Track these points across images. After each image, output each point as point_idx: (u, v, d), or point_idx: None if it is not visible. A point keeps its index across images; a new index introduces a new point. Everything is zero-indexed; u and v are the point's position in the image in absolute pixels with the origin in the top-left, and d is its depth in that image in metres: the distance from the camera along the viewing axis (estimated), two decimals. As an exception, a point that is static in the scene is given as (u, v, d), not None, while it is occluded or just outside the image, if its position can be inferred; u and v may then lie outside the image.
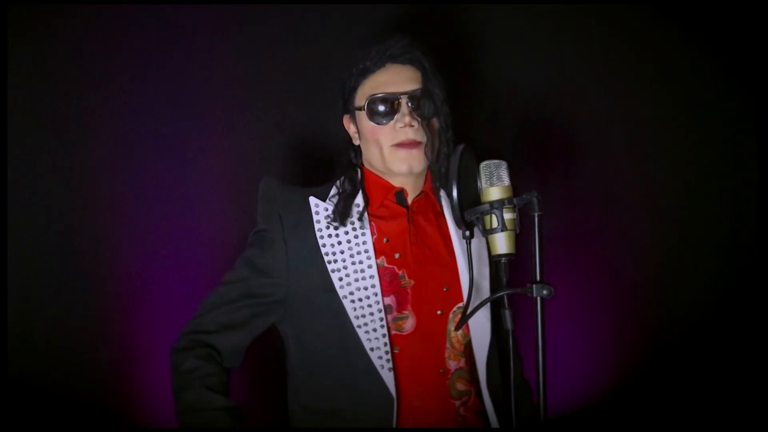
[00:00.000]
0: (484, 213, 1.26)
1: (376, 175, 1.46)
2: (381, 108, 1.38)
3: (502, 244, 1.27)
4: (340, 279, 1.37)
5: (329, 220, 1.41)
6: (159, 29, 1.83)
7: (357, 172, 1.48)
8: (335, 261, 1.38)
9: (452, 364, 1.41)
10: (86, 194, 1.79)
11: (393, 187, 1.45)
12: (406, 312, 1.38)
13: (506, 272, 1.28)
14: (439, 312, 1.40)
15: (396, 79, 1.40)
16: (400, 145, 1.38)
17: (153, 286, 1.83)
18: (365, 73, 1.41)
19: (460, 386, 1.42)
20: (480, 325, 1.41)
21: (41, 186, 1.75)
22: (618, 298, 2.17)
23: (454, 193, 1.25)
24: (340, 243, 1.40)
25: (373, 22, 1.94)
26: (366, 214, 1.42)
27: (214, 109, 1.88)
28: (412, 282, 1.40)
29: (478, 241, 1.43)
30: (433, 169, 1.43)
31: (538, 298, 1.21)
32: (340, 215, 1.41)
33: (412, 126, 1.37)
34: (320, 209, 1.42)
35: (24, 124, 1.73)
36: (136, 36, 1.82)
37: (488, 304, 1.38)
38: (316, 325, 1.40)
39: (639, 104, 2.17)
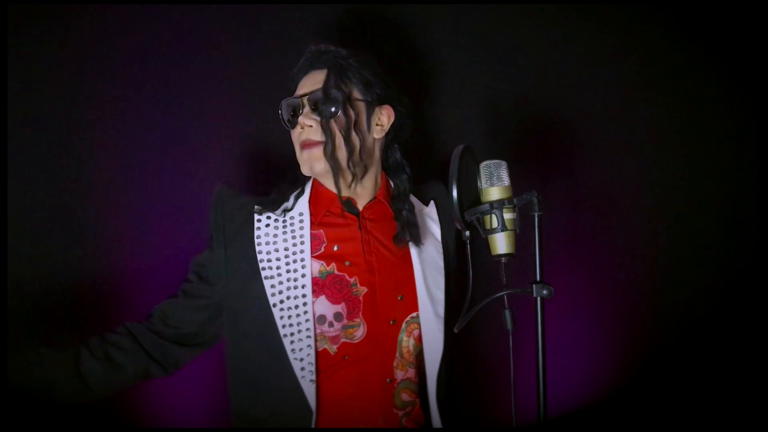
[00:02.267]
0: (484, 213, 1.27)
1: (325, 188, 1.45)
2: (285, 112, 1.41)
3: (502, 244, 1.27)
4: (272, 287, 1.36)
5: (259, 211, 1.42)
6: (159, 29, 1.83)
7: (299, 181, 1.48)
8: (270, 269, 1.37)
9: (399, 374, 1.40)
10: (86, 194, 1.79)
11: (336, 196, 1.42)
12: (357, 320, 1.37)
13: (506, 272, 1.28)
14: (392, 321, 1.39)
15: (307, 83, 1.42)
16: (301, 146, 1.40)
17: (153, 286, 1.83)
18: (295, 78, 1.45)
19: (405, 397, 1.41)
20: (432, 337, 1.40)
21: (41, 186, 1.75)
22: (618, 298, 2.17)
23: (454, 193, 1.25)
24: (277, 251, 1.39)
25: (373, 23, 1.94)
26: (308, 220, 1.41)
27: (215, 110, 1.88)
28: (365, 290, 1.38)
29: (435, 251, 1.44)
30: (333, 168, 1.39)
31: (538, 298, 1.21)
32: (271, 203, 1.43)
33: (305, 126, 1.38)
34: (263, 217, 1.43)
35: (24, 124, 1.73)
36: (136, 36, 1.82)
37: (442, 315, 1.39)
38: (248, 332, 1.38)
39: (639, 104, 2.17)
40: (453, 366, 1.52)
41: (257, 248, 1.39)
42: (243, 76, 1.89)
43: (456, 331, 1.43)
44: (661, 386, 2.18)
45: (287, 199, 1.46)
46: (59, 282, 1.77)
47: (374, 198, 1.46)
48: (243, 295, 1.38)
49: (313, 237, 1.40)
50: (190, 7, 1.84)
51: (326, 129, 1.35)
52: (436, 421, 1.40)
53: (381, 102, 1.42)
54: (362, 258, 1.40)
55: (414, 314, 1.40)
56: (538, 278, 1.22)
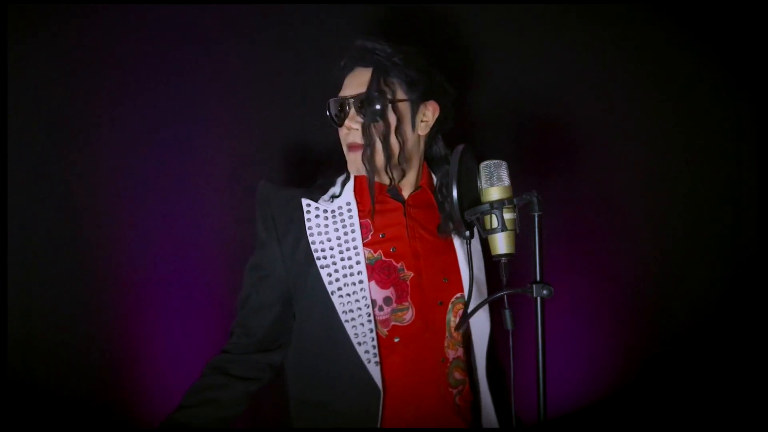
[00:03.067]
0: (484, 213, 1.27)
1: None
2: (332, 111, 1.43)
3: (502, 244, 1.27)
4: (329, 275, 1.41)
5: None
6: (159, 30, 1.83)
7: (341, 174, 1.51)
8: (324, 258, 1.42)
9: (451, 353, 1.45)
10: (86, 194, 1.79)
11: (383, 185, 1.47)
12: (406, 303, 1.42)
13: (506, 272, 1.28)
14: (439, 302, 1.44)
15: (353, 81, 1.43)
16: (347, 147, 1.43)
17: (154, 286, 1.84)
18: (341, 73, 1.45)
19: (458, 375, 1.46)
20: (479, 317, 1.44)
21: (41, 186, 1.75)
22: (618, 298, 2.17)
23: (454, 193, 1.25)
24: (329, 240, 1.44)
25: (373, 23, 1.94)
26: (356, 209, 1.46)
27: (216, 110, 1.88)
28: (411, 274, 1.43)
29: (474, 236, 1.45)
30: (371, 173, 1.42)
31: (538, 298, 1.22)
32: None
33: (351, 129, 1.41)
34: (311, 208, 1.46)
35: (24, 123, 1.73)
36: (136, 36, 1.82)
37: (486, 295, 1.44)
38: (309, 319, 1.44)
39: (639, 104, 2.17)
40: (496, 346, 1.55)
41: (310, 238, 1.43)
42: (247, 76, 1.90)
43: (456, 332, 1.44)
44: (661, 386, 2.18)
45: (334, 184, 1.50)
46: (59, 282, 1.78)
47: (419, 187, 1.49)
48: (301, 284, 1.44)
49: (361, 225, 1.45)
50: (191, 7, 1.84)
51: (366, 134, 1.39)
52: (486, 398, 1.46)
53: (425, 98, 1.44)
54: (407, 243, 1.44)
55: (458, 295, 1.45)
56: (538, 278, 1.22)
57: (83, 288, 1.79)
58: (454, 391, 1.45)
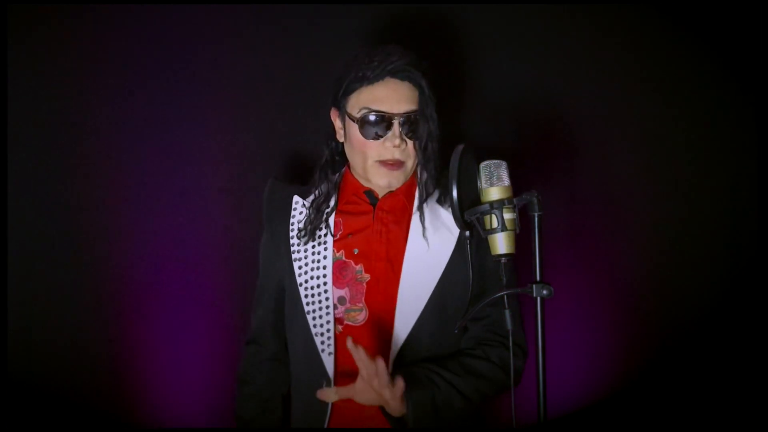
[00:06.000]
0: (484, 213, 1.27)
1: (354, 178, 1.51)
2: (374, 125, 1.40)
3: (502, 244, 1.27)
4: (299, 268, 1.49)
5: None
6: (158, 30, 1.83)
7: (335, 174, 1.54)
8: (297, 251, 1.50)
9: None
10: (87, 194, 1.79)
11: (363, 186, 1.50)
12: (360, 305, 1.46)
13: (506, 272, 1.28)
14: (392, 308, 1.45)
15: (393, 95, 1.40)
16: (383, 162, 1.42)
17: (154, 286, 1.84)
18: (363, 81, 1.41)
19: None
20: (401, 328, 1.43)
21: (41, 185, 1.75)
22: (618, 298, 2.17)
23: (454, 193, 1.25)
24: (306, 235, 1.50)
25: (372, 23, 1.94)
26: (333, 209, 1.51)
27: (219, 109, 1.88)
28: (369, 277, 1.46)
29: (441, 245, 1.47)
30: (420, 184, 1.49)
31: (538, 298, 1.22)
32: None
33: (399, 147, 1.41)
34: (299, 206, 1.53)
35: (24, 123, 1.73)
36: (136, 36, 1.82)
37: (420, 310, 1.43)
38: (287, 309, 1.54)
39: (639, 103, 2.16)
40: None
41: (291, 233, 1.52)
42: (250, 76, 1.89)
43: (456, 332, 1.44)
44: (661, 386, 2.18)
45: (321, 195, 1.52)
46: (60, 281, 1.78)
47: (392, 191, 1.50)
48: (284, 276, 1.53)
49: (334, 223, 1.50)
50: (193, 7, 1.84)
51: (420, 150, 1.42)
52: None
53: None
54: (371, 247, 1.46)
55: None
56: (538, 278, 1.22)
57: (83, 288, 1.79)
58: None
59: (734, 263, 2.24)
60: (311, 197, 1.52)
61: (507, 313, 1.28)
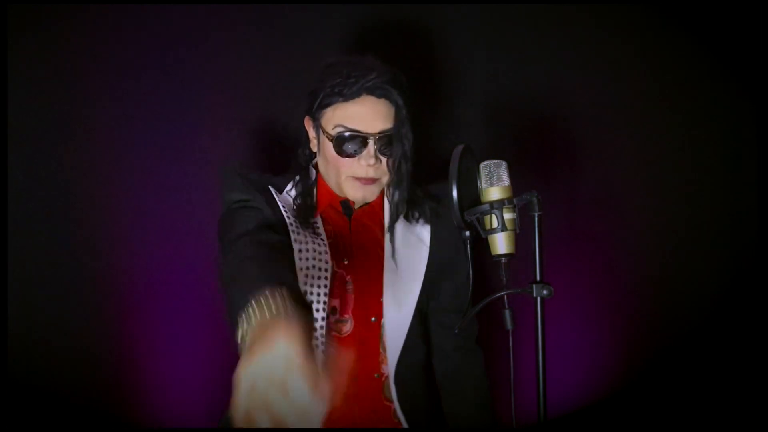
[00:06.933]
0: (484, 213, 1.27)
1: (328, 187, 1.48)
2: (348, 144, 1.37)
3: (502, 244, 1.27)
4: (300, 251, 1.37)
5: (291, 220, 1.41)
6: (159, 27, 1.83)
7: (310, 176, 1.50)
8: (298, 233, 1.39)
9: (386, 369, 1.45)
10: (86, 194, 1.79)
11: (339, 196, 1.47)
12: (347, 316, 1.43)
13: (506, 272, 1.28)
14: (372, 319, 1.44)
15: (369, 114, 1.36)
16: (357, 178, 1.40)
17: (154, 286, 1.83)
18: (339, 96, 1.36)
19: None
20: (394, 342, 1.44)
21: (41, 186, 1.75)
22: (618, 298, 2.17)
23: (454, 193, 1.25)
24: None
25: (369, 21, 1.94)
26: (320, 216, 1.46)
27: (218, 109, 1.88)
28: (354, 288, 1.44)
29: (415, 255, 1.47)
30: (390, 198, 1.47)
31: (538, 298, 1.22)
32: (302, 221, 1.42)
33: (373, 166, 1.38)
34: (280, 200, 1.43)
35: (24, 123, 1.73)
36: (136, 34, 1.82)
37: (409, 319, 1.43)
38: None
39: (639, 104, 2.17)
40: (428, 368, 1.57)
41: (284, 214, 1.39)
42: (250, 76, 1.89)
43: (456, 332, 1.45)
44: (661, 386, 2.18)
45: (301, 192, 1.46)
46: (60, 281, 1.77)
47: (367, 203, 1.49)
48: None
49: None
50: (193, 7, 1.84)
51: (399, 172, 1.39)
52: (402, 418, 1.45)
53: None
54: (354, 258, 1.45)
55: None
56: (538, 278, 1.23)
57: (83, 287, 1.79)
58: (393, 405, 1.45)
59: (734, 263, 2.24)
60: (290, 192, 1.46)
61: (507, 313, 1.28)
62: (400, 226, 1.49)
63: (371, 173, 1.39)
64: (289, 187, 1.47)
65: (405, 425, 1.46)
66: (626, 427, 2.14)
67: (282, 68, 1.90)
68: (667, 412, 2.18)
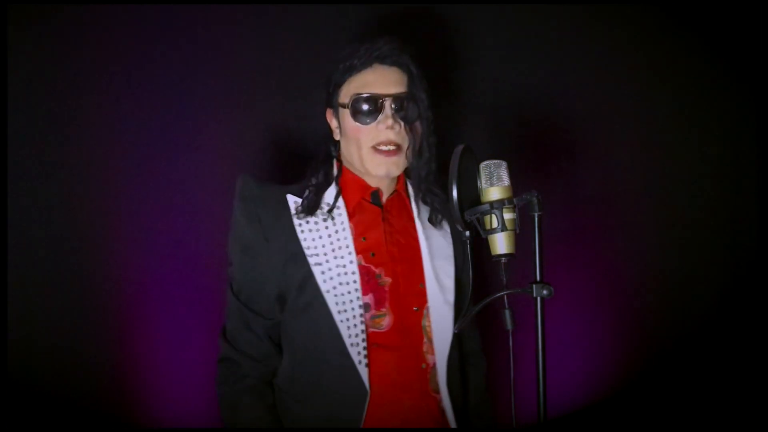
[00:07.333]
0: (484, 213, 1.27)
1: (353, 174, 1.48)
2: (365, 107, 1.39)
3: (502, 244, 1.27)
4: (323, 273, 1.39)
5: (299, 212, 1.43)
6: (161, 26, 1.83)
7: (333, 166, 1.50)
8: (317, 255, 1.41)
9: (431, 359, 1.44)
10: (86, 193, 1.79)
11: (369, 186, 1.47)
12: (384, 310, 1.41)
13: (506, 272, 1.28)
14: (414, 308, 1.44)
15: (381, 80, 1.40)
16: (379, 149, 1.40)
17: (154, 286, 1.83)
18: (351, 70, 1.41)
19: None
20: (441, 324, 1.44)
21: (41, 185, 1.75)
22: (618, 298, 2.17)
23: (454, 193, 1.25)
24: (321, 237, 1.42)
25: (368, 21, 1.94)
26: (345, 209, 1.45)
27: (217, 110, 1.88)
28: (390, 280, 1.43)
29: (443, 240, 1.49)
30: (413, 170, 1.46)
31: (538, 298, 1.22)
32: (308, 207, 1.43)
33: (393, 128, 1.39)
34: (299, 207, 1.44)
35: (24, 123, 1.73)
36: (137, 34, 1.82)
37: (452, 302, 1.44)
38: (299, 319, 1.42)
39: (639, 104, 2.17)
40: (469, 354, 1.59)
41: (300, 236, 1.41)
42: (250, 77, 1.89)
43: (456, 332, 1.44)
44: (661, 386, 2.18)
45: (318, 181, 1.47)
46: (60, 281, 1.77)
47: (395, 191, 1.50)
48: (293, 282, 1.41)
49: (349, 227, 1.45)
50: (193, 7, 1.84)
51: (410, 133, 1.40)
52: (448, 407, 1.45)
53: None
54: (385, 248, 1.44)
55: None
56: (538, 278, 1.23)
57: (83, 287, 1.79)
58: (439, 397, 1.44)
59: (734, 263, 2.24)
60: (308, 197, 1.46)
61: (507, 313, 1.28)
62: (425, 210, 1.51)
63: (391, 136, 1.39)
64: (306, 193, 1.47)
65: (450, 417, 1.45)
66: (626, 427, 2.14)
67: (284, 68, 1.90)
68: (667, 412, 2.19)
